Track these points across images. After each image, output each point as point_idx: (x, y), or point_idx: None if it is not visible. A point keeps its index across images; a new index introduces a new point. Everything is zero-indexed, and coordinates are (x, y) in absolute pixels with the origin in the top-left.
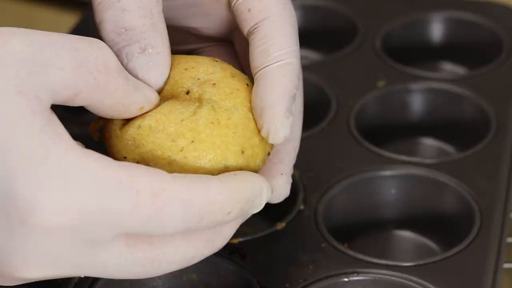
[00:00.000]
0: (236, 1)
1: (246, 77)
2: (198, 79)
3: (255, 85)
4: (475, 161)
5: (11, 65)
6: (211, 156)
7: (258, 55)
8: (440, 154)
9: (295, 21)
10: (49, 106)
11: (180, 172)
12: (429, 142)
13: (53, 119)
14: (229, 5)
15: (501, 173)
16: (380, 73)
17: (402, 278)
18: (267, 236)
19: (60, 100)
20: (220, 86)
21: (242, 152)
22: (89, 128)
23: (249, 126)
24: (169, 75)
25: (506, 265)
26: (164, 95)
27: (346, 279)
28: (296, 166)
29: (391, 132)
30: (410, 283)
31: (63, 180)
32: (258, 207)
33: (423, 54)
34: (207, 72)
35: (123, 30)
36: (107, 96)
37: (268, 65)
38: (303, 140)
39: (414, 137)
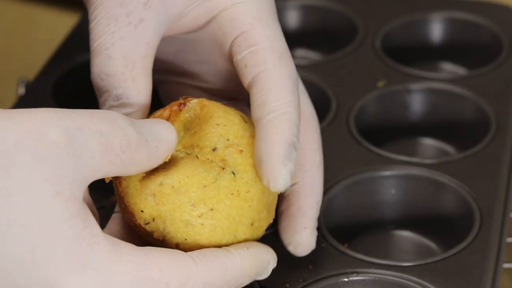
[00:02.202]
0: (236, 58)
1: None
2: (228, 140)
3: (255, 137)
4: (475, 161)
5: (48, 161)
6: (225, 226)
7: (257, 108)
8: (440, 154)
9: (293, 73)
10: (82, 195)
11: (194, 235)
12: (429, 142)
13: (87, 217)
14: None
15: (501, 173)
16: (380, 73)
17: (402, 278)
18: (267, 236)
19: (93, 179)
20: (245, 155)
21: (252, 224)
22: None
23: (262, 200)
24: (201, 123)
25: (506, 265)
26: (191, 143)
27: (346, 279)
28: None
29: (391, 132)
30: (410, 283)
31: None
32: (261, 277)
33: (423, 54)
34: (237, 135)
35: (105, 76)
36: (134, 167)
37: (265, 117)
38: None
39: (414, 137)
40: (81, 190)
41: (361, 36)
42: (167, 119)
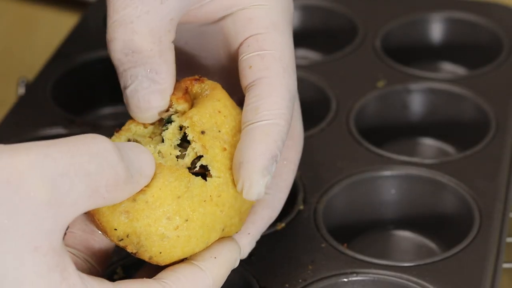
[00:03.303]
0: (242, 57)
1: None
2: (219, 131)
3: (240, 140)
4: (475, 161)
5: (25, 217)
6: (199, 235)
7: (248, 112)
8: (439, 154)
9: (293, 87)
10: (62, 241)
11: (169, 248)
12: (429, 142)
13: (65, 266)
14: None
15: (501, 173)
16: (380, 73)
17: (401, 278)
18: (266, 236)
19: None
20: (226, 156)
21: (223, 230)
22: None
23: (235, 206)
24: (204, 100)
25: (506, 265)
26: (187, 113)
27: (345, 279)
28: None
29: (391, 132)
30: (409, 283)
31: None
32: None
33: (423, 54)
34: (230, 132)
35: (130, 52)
36: (117, 201)
37: (255, 122)
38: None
39: (414, 137)
40: (61, 236)
41: (361, 36)
42: (185, 91)
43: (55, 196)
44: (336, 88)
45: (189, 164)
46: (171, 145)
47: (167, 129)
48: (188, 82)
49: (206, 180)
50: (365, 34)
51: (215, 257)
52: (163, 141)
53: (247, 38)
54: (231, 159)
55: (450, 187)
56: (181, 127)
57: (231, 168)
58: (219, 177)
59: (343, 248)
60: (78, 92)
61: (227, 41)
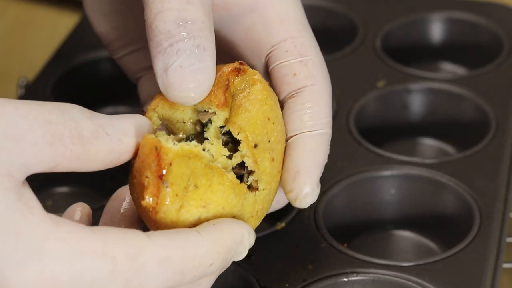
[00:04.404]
0: (280, 63)
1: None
2: (269, 141)
3: (290, 147)
4: (475, 161)
5: None
6: None
7: (297, 120)
8: (439, 154)
9: (331, 90)
10: (23, 180)
11: None
12: (428, 142)
13: (25, 193)
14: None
15: (501, 173)
16: (380, 73)
17: (401, 278)
18: (267, 236)
19: (37, 171)
20: (273, 165)
21: None
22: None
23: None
24: (250, 102)
25: (506, 265)
26: (237, 121)
27: (345, 279)
28: None
29: (391, 132)
30: (409, 283)
31: (36, 256)
32: (241, 254)
33: (423, 54)
34: (277, 138)
35: (184, 22)
36: (90, 161)
37: (307, 132)
38: None
39: (414, 137)
40: (22, 172)
41: (361, 36)
42: (226, 87)
43: (14, 132)
44: (336, 88)
45: (234, 165)
46: (219, 144)
47: (208, 129)
48: (230, 74)
49: (251, 190)
50: (365, 34)
51: (213, 224)
52: (191, 139)
53: (281, 42)
54: (277, 168)
55: (450, 187)
56: (221, 126)
57: (275, 176)
58: (264, 189)
59: (343, 248)
60: (78, 92)
61: (252, 40)
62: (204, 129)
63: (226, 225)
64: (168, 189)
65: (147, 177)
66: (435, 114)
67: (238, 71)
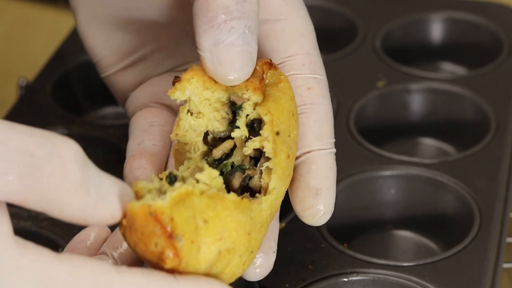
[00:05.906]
0: (295, 73)
1: None
2: (289, 136)
3: (309, 162)
4: (475, 161)
5: None
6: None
7: (312, 136)
8: (439, 154)
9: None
10: None
11: (232, 279)
12: (428, 142)
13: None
14: None
15: (501, 173)
16: (380, 73)
17: (401, 278)
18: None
19: (4, 200)
20: (287, 164)
21: (251, 252)
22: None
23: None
24: (279, 96)
25: (506, 265)
26: (278, 129)
27: (345, 279)
28: None
29: (391, 132)
30: (409, 283)
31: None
32: None
33: (423, 54)
34: (295, 135)
35: (240, 1)
36: (60, 209)
37: (323, 149)
38: None
39: (414, 137)
40: None
41: (361, 36)
42: (261, 77)
43: None
44: (336, 88)
45: (248, 152)
46: (209, 169)
47: (240, 117)
48: (264, 65)
49: (254, 196)
50: (365, 34)
51: (197, 277)
52: (172, 178)
53: (298, 54)
54: (289, 169)
55: (450, 187)
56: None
57: (286, 178)
58: (270, 194)
59: (343, 248)
60: (78, 92)
61: (269, 43)
62: (236, 117)
63: (206, 281)
64: (181, 242)
65: (156, 243)
66: (435, 114)
67: (270, 65)
